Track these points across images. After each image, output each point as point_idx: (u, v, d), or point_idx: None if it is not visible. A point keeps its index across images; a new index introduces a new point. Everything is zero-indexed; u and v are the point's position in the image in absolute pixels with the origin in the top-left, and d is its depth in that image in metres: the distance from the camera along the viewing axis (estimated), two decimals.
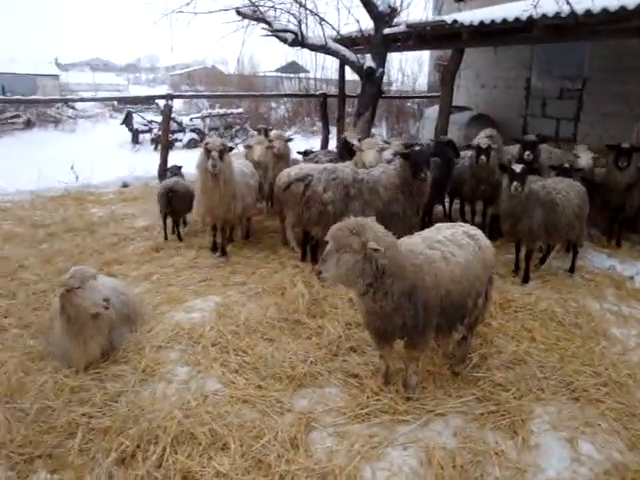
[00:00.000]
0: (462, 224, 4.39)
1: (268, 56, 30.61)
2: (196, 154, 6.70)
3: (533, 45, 11.15)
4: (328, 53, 10.51)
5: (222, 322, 5.12)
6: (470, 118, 11.96)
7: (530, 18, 7.36)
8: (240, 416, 3.78)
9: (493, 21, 8.00)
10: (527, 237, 6.23)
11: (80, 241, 7.54)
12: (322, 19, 10.03)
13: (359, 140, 7.66)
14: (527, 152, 7.38)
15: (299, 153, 9.45)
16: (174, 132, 17.87)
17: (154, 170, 11.27)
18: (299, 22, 9.78)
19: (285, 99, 25.84)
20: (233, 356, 4.55)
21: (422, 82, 21.84)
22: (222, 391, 4.08)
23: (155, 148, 18.45)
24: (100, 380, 4.21)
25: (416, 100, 20.10)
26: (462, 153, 8.19)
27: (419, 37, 9.63)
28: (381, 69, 10.11)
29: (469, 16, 8.49)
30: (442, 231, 4.13)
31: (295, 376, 4.26)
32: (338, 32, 10.82)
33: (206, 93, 22.84)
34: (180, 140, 19.25)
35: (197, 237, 7.81)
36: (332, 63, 23.10)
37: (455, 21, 8.52)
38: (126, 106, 28.93)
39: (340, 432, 3.67)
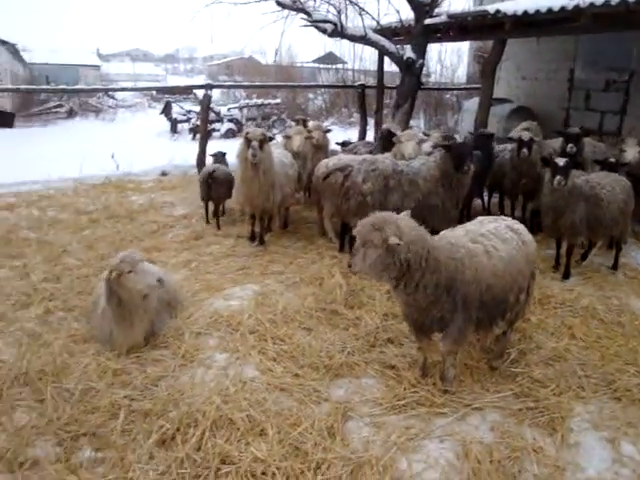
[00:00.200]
0: (504, 218, 4.32)
1: (306, 47, 30.56)
2: (233, 144, 6.77)
3: (578, 35, 10.83)
4: (367, 44, 10.44)
5: (260, 310, 5.16)
6: (510, 111, 11.72)
7: (577, 7, 7.15)
8: (277, 403, 3.82)
9: (538, 11, 7.78)
10: (569, 232, 6.08)
11: (121, 228, 7.71)
12: (362, 9, 9.96)
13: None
14: (570, 145, 7.21)
15: (337, 144, 9.44)
16: (212, 122, 18.05)
17: (192, 159, 11.41)
18: (338, 12, 9.72)
19: (322, 90, 25.83)
20: (271, 344, 4.59)
21: (461, 74, 21.58)
22: (260, 378, 4.13)
23: (193, 137, 18.72)
24: (141, 364, 4.30)
25: (455, 92, 19.85)
26: (502, 146, 8.04)
27: (460, 28, 9.49)
28: (421, 60, 9.99)
29: (512, 6, 8.28)
30: (485, 225, 4.08)
31: (332, 366, 4.27)
32: (378, 22, 10.71)
33: (244, 83, 22.87)
34: (218, 130, 19.47)
35: (235, 226, 7.87)
36: (370, 54, 23.05)
37: (498, 11, 8.33)
38: (165, 96, 29.42)
39: (377, 423, 3.68)
